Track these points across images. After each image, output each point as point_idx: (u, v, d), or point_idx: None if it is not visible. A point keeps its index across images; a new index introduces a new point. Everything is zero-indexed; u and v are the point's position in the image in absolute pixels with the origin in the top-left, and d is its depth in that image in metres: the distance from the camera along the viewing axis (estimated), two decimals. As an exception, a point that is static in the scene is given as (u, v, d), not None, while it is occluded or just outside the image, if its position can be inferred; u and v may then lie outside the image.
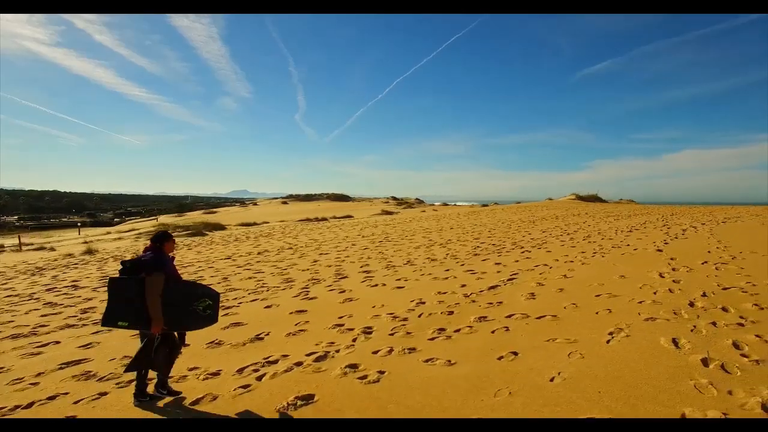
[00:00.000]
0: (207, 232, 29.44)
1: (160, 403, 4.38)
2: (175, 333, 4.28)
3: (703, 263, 10.14)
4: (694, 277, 8.76)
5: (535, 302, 7.56)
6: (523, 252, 13.34)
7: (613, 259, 11.31)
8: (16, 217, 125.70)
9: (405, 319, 6.99)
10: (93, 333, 7.23)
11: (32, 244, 30.20)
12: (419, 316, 7.13)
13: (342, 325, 6.95)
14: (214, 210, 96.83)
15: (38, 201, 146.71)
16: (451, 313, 7.20)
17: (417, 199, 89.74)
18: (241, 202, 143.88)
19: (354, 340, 6.15)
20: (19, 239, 41.09)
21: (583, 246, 14.06)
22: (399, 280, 10.27)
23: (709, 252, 11.66)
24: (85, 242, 31.69)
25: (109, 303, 3.94)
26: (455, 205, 71.80)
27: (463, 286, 9.16)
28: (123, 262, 4.15)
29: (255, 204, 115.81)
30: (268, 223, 42.69)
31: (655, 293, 7.54)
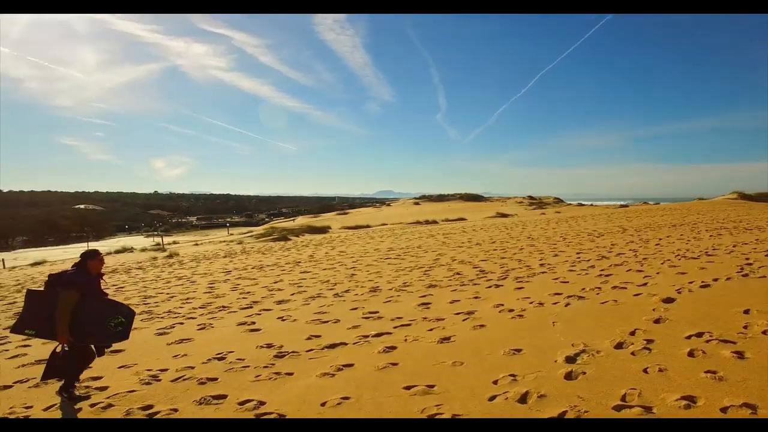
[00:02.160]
0: (292, 237, 28.95)
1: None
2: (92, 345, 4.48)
3: None
4: None
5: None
6: (519, 283, 8.99)
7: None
8: (195, 218, 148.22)
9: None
10: None
11: (174, 243, 33.24)
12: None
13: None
14: (348, 211, 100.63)
15: (212, 203, 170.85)
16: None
17: (556, 198, 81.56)
18: (381, 202, 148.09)
19: None
20: (162, 240, 46.47)
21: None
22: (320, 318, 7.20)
23: None
24: (196, 244, 33.88)
25: (23, 312, 4.31)
26: (591, 205, 62.92)
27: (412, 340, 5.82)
28: (49, 275, 4.40)
29: (388, 205, 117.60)
30: (379, 225, 41.54)
31: None
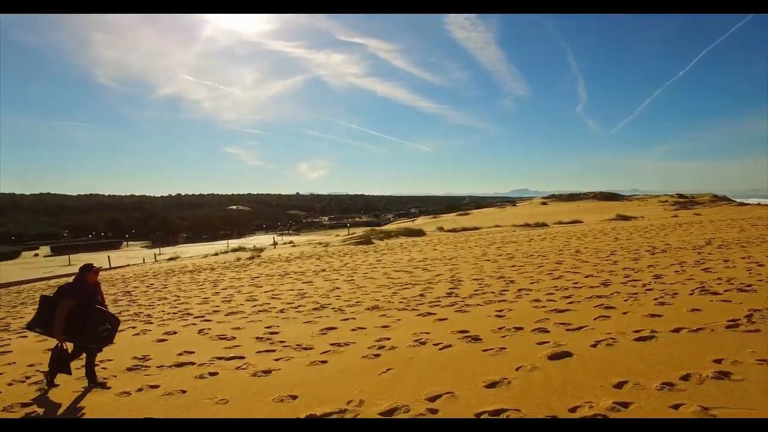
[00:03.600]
0: (376, 241, 28.44)
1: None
2: (73, 344, 5.11)
3: None
4: None
5: None
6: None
7: None
8: (327, 217, 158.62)
9: None
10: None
11: (288, 243, 35.59)
12: None
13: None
14: (471, 211, 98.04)
15: (344, 203, 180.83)
16: None
17: (713, 196, 68.95)
18: (512, 202, 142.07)
19: None
20: (274, 240, 49.71)
21: None
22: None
23: None
24: (293, 244, 35.42)
25: (36, 313, 5.14)
26: (758, 204, 51.56)
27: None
28: (59, 286, 5.30)
29: (514, 205, 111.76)
30: (492, 226, 39.27)
31: None
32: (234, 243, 55.42)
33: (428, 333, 6.05)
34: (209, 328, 7.55)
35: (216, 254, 32.57)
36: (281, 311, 8.64)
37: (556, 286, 8.67)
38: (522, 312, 6.80)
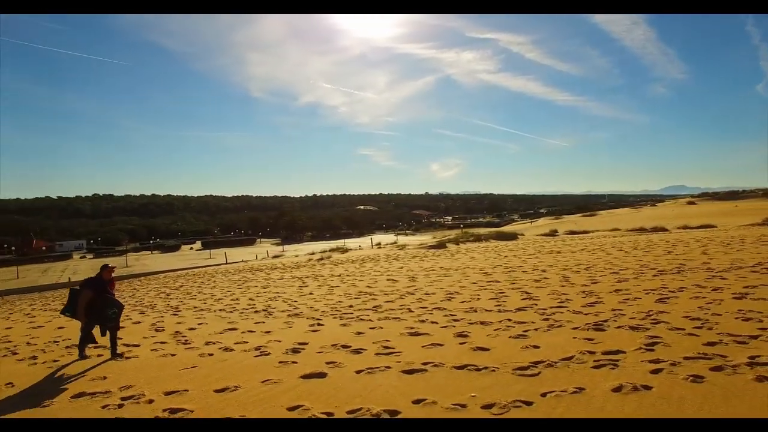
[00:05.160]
0: (450, 245, 27.45)
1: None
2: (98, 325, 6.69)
3: None
4: None
5: None
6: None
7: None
8: (450, 217, 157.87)
9: None
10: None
11: (392, 243, 36.61)
12: None
13: None
14: (598, 213, 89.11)
15: (468, 203, 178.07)
16: None
17: None
18: (654, 201, 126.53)
19: None
20: (371, 240, 51.28)
21: None
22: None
23: None
24: (379, 246, 35.94)
25: (67, 301, 6.69)
26: None
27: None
28: (83, 280, 6.87)
29: (653, 205, 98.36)
30: (609, 230, 35.64)
31: None
32: (339, 243, 58.05)
33: (306, 343, 5.64)
34: (178, 322, 8.11)
35: (313, 253, 34.52)
36: (240, 312, 8.94)
37: (548, 314, 7.32)
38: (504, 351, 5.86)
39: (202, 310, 10.43)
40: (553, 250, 19.16)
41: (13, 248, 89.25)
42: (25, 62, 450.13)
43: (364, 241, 66.37)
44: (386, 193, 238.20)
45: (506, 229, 54.47)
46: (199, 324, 8.56)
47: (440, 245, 27.40)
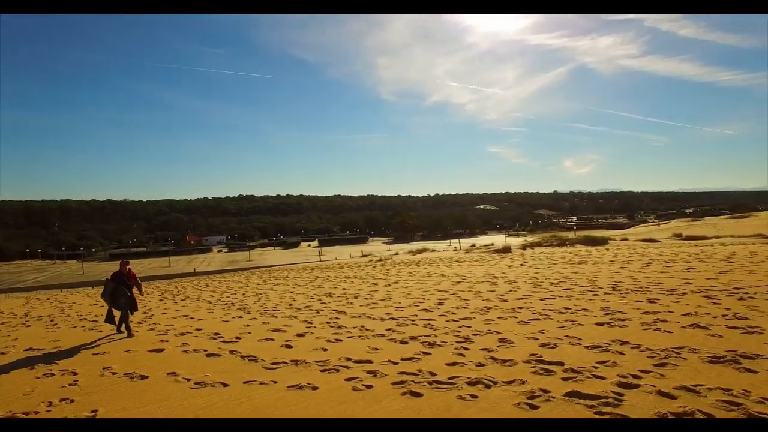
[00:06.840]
0: (508, 251, 26.51)
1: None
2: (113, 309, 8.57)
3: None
4: None
5: None
6: None
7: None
8: (575, 218, 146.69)
9: None
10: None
11: (485, 245, 36.73)
12: None
13: None
14: (751, 214, 75.25)
15: (595, 203, 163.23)
16: None
17: None
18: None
19: None
20: (455, 243, 50.45)
21: None
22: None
23: None
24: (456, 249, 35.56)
25: (104, 290, 8.44)
26: None
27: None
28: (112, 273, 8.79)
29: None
30: (728, 236, 31.37)
31: None
32: (423, 245, 58.23)
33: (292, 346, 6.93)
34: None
35: (406, 253, 35.64)
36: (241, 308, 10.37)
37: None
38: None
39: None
40: (631, 259, 17.48)
41: (173, 242, 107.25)
42: (195, 83, 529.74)
43: (472, 241, 65.70)
44: (512, 191, 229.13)
45: (629, 231, 49.53)
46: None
47: (505, 250, 26.61)
